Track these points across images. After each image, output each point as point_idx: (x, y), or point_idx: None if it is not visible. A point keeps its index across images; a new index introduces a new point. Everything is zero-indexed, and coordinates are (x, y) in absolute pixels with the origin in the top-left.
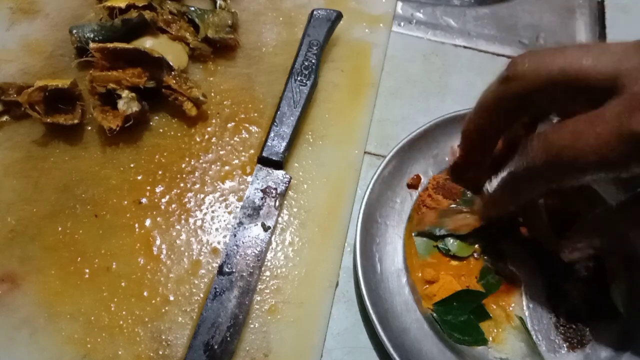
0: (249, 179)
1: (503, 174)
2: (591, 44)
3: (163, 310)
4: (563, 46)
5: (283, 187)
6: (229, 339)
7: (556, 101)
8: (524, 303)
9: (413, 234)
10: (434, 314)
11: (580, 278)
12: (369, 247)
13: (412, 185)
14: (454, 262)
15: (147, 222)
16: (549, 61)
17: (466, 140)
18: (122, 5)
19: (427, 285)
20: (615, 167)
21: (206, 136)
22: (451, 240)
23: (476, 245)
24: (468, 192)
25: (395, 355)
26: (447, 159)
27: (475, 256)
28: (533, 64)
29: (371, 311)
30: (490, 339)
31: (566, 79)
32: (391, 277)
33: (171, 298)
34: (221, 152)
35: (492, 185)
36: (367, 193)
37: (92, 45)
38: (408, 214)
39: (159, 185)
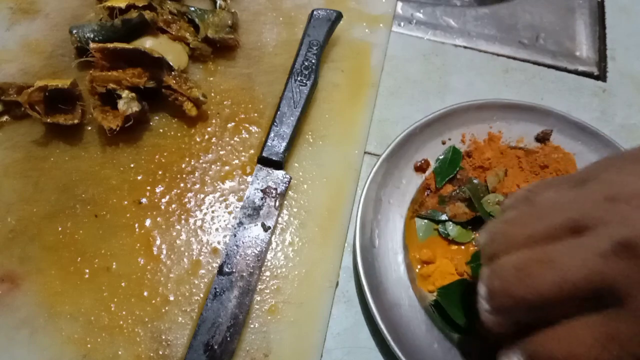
0: (249, 179)
1: None
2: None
3: (163, 310)
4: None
5: (283, 187)
6: (229, 339)
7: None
8: None
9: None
10: (437, 298)
11: None
12: (369, 222)
13: (420, 168)
14: (453, 247)
15: (147, 222)
16: (517, 289)
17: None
18: (122, 5)
19: (423, 265)
20: None
21: (206, 136)
22: (451, 226)
23: (475, 233)
24: (475, 179)
25: (383, 327)
26: (455, 145)
27: (475, 243)
28: (501, 289)
29: (364, 282)
30: None
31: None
32: (389, 253)
33: (171, 298)
34: (221, 152)
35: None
36: (374, 171)
37: (92, 45)
38: (412, 195)
39: (159, 185)
